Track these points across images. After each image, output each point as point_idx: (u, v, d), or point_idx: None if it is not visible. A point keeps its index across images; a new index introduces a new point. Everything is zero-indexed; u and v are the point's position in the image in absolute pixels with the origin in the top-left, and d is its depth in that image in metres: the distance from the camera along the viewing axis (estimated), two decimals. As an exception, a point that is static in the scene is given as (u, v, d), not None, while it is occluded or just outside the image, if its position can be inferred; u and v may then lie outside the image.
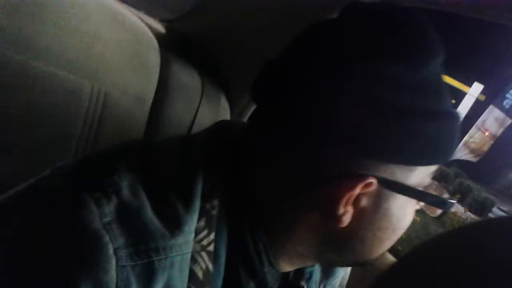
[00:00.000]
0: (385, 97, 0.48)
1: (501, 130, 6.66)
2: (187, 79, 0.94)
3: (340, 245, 0.55)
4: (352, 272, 0.78)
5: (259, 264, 0.55)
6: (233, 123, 0.62)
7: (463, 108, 8.33)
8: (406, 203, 0.54)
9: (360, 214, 0.52)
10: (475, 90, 8.43)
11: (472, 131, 7.08)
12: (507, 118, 6.56)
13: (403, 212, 0.55)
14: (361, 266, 0.61)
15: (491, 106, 6.74)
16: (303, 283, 0.64)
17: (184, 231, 0.47)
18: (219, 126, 0.59)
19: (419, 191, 0.54)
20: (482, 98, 8.44)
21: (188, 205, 0.49)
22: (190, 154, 0.55)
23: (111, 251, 0.42)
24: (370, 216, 0.52)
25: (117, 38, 0.86)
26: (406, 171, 0.51)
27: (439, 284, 0.25)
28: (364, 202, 0.51)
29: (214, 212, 0.51)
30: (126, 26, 0.89)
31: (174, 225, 0.46)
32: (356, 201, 0.51)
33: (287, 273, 0.62)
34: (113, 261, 0.42)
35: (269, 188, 0.54)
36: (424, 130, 0.50)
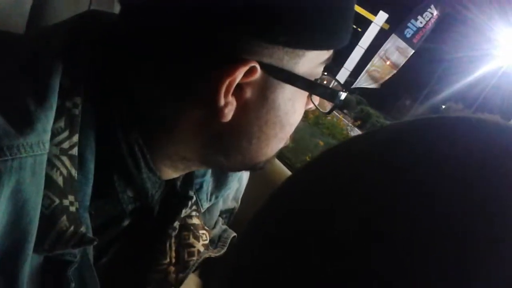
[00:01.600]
0: None
1: (402, 59, 6.98)
2: (65, 15, 0.82)
3: (226, 145, 0.50)
4: (248, 188, 0.73)
5: (135, 169, 0.48)
6: (103, 13, 0.53)
7: (368, 37, 8.59)
8: (295, 95, 0.50)
9: (244, 107, 0.47)
10: (380, 19, 8.69)
11: (374, 59, 7.34)
12: (408, 48, 6.87)
13: (291, 106, 0.50)
14: (251, 170, 0.57)
15: (393, 35, 7.01)
16: (191, 193, 0.60)
17: (36, 130, 0.40)
18: (86, 15, 0.51)
19: (309, 80, 0.49)
20: (386, 27, 8.74)
21: (41, 100, 0.41)
22: (48, 46, 0.47)
23: None
24: (256, 109, 0.48)
25: None
26: (293, 57, 0.47)
27: (340, 196, 0.23)
28: (248, 93, 0.47)
29: (77, 111, 0.44)
30: None
31: (23, 123, 0.40)
32: (239, 92, 0.46)
33: (174, 182, 0.57)
34: None
35: (144, 83, 0.48)
36: (310, 5, 0.45)
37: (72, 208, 0.43)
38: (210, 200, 0.65)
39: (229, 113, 0.47)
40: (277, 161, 0.90)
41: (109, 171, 0.47)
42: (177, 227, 0.59)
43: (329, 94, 0.52)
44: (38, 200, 0.41)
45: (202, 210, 0.63)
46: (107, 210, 0.50)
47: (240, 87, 0.46)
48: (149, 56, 0.47)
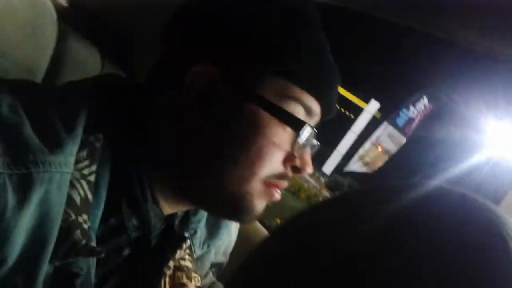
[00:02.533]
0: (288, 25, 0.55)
1: (393, 146, 7.08)
2: (86, 56, 0.89)
3: (212, 164, 0.55)
4: (236, 250, 0.78)
5: (142, 199, 0.55)
6: (120, 76, 0.66)
7: (360, 123, 8.80)
8: (281, 129, 0.55)
9: (213, 120, 0.53)
10: (372, 107, 8.94)
11: (366, 145, 7.45)
12: (400, 136, 7.00)
13: (254, 125, 0.54)
14: (236, 216, 0.60)
15: (385, 123, 7.17)
16: (187, 234, 0.65)
17: (64, 151, 0.48)
18: (107, 74, 0.62)
19: (296, 118, 0.55)
20: (378, 115, 8.97)
21: (70, 130, 0.49)
22: (76, 91, 0.56)
23: None
24: (232, 128, 0.54)
25: (11, 6, 0.79)
26: (256, 75, 0.53)
27: (307, 257, 0.27)
28: (221, 112, 0.53)
29: (98, 144, 0.52)
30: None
31: (54, 144, 0.47)
32: (207, 101, 0.53)
33: (172, 220, 0.63)
34: None
35: (151, 118, 0.56)
36: (312, 57, 0.55)
37: (85, 226, 0.49)
38: (203, 248, 0.70)
39: (207, 131, 0.54)
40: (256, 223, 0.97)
41: (118, 199, 0.54)
42: (172, 266, 0.63)
43: (291, 121, 0.55)
44: (60, 212, 0.47)
45: (195, 256, 0.68)
46: (113, 236, 0.55)
47: (206, 96, 0.53)
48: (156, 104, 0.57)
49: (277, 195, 0.59)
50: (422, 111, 6.97)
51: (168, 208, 0.60)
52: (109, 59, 0.94)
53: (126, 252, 0.57)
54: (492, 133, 5.02)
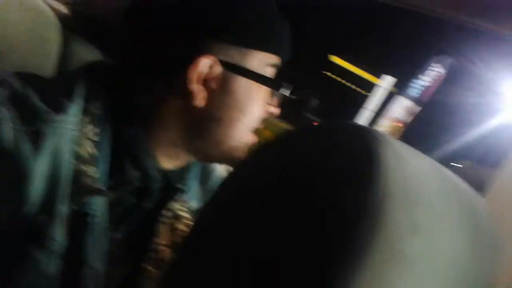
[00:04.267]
0: None
1: (408, 117, 7.02)
2: (90, 57, 0.95)
3: (201, 127, 0.68)
4: None
5: (139, 152, 0.65)
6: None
7: (374, 100, 8.72)
8: (248, 86, 0.68)
9: (212, 95, 0.66)
10: (386, 82, 8.84)
11: (383, 122, 7.42)
12: (415, 106, 6.94)
13: (249, 96, 0.68)
14: (228, 160, 0.73)
15: (396, 96, 7.10)
16: (181, 186, 0.76)
17: (68, 114, 0.58)
18: (102, 60, 0.75)
19: (256, 73, 0.67)
20: (394, 90, 8.88)
21: (72, 99, 0.59)
22: (72, 70, 0.69)
23: (7, 115, 0.52)
24: (220, 96, 0.67)
25: (16, 18, 0.85)
26: (243, 54, 0.66)
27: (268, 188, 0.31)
28: (213, 84, 0.66)
29: (98, 112, 0.62)
30: (26, 5, 0.89)
31: (60, 109, 0.58)
32: (207, 83, 0.65)
33: (171, 176, 0.73)
34: (7, 124, 0.51)
35: (140, 88, 0.66)
36: (251, 16, 0.64)
37: (93, 174, 0.60)
38: (199, 202, 0.80)
39: (201, 99, 0.66)
40: None
41: (120, 155, 0.64)
42: (169, 215, 0.73)
43: (273, 84, 0.69)
44: (70, 162, 0.57)
45: (192, 209, 0.79)
46: (119, 185, 0.65)
47: (207, 80, 0.65)
48: (141, 68, 0.66)
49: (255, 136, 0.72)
50: (435, 78, 6.89)
51: (167, 163, 0.71)
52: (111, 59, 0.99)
53: (132, 200, 0.69)
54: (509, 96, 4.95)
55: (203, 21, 0.63)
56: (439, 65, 6.91)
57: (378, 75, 9.42)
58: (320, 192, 0.29)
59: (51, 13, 0.92)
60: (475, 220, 0.40)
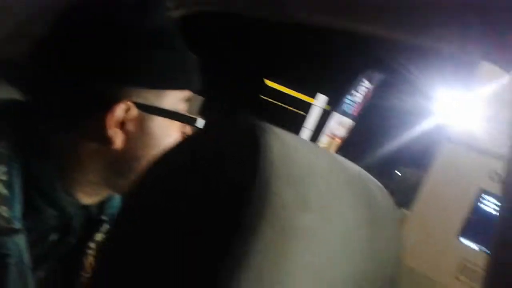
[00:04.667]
0: (128, 38, 0.65)
1: (345, 132, 7.22)
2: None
3: (121, 167, 0.69)
4: None
5: (52, 190, 0.65)
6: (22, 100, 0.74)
7: (312, 119, 8.96)
8: (165, 124, 0.70)
9: (130, 137, 0.67)
10: (320, 101, 9.12)
11: (322, 138, 7.58)
12: (349, 120, 7.15)
13: (166, 132, 0.69)
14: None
15: (333, 113, 7.30)
16: (104, 217, 0.76)
17: None
18: (9, 99, 0.72)
19: (170, 111, 0.70)
20: (328, 107, 9.16)
21: None
22: None
23: None
24: (138, 137, 0.68)
25: None
26: (156, 95, 0.69)
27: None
28: (131, 126, 0.67)
29: (3, 150, 0.62)
30: None
31: None
32: (124, 126, 0.67)
33: (91, 209, 0.73)
34: None
35: (51, 126, 0.67)
36: (159, 59, 0.67)
37: (5, 214, 0.58)
38: None
39: (118, 142, 0.67)
40: None
41: (31, 192, 0.63)
42: (94, 246, 0.73)
43: (188, 120, 0.72)
44: None
45: None
46: (37, 226, 0.64)
47: (124, 123, 0.66)
48: (54, 110, 0.67)
49: None
50: (366, 93, 7.15)
51: (87, 199, 0.71)
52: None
53: (53, 237, 0.67)
54: (441, 100, 5.16)
55: (115, 68, 0.65)
56: (368, 80, 7.19)
57: (312, 95, 9.70)
58: (215, 177, 0.32)
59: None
60: (368, 199, 0.44)
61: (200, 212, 0.31)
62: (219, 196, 0.31)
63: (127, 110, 0.66)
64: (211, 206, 0.31)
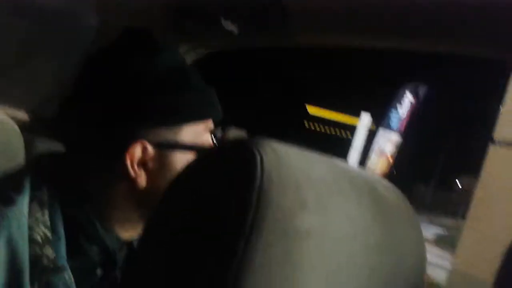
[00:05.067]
0: (140, 84, 0.70)
1: (394, 148, 7.09)
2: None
3: (147, 203, 0.71)
4: None
5: (93, 229, 0.69)
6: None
7: (358, 140, 8.86)
8: (185, 157, 0.72)
9: (153, 175, 0.71)
10: (364, 121, 9.02)
11: (372, 157, 7.47)
12: (397, 136, 7.03)
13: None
14: None
15: (380, 129, 7.20)
16: None
17: (17, 205, 0.63)
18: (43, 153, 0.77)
19: (186, 145, 0.73)
20: (373, 127, 9.05)
21: (19, 192, 0.65)
22: (21, 167, 0.76)
23: None
24: (161, 174, 0.71)
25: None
26: (173, 131, 0.72)
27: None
28: (151, 164, 0.70)
29: (45, 197, 0.67)
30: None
31: (8, 203, 0.62)
32: (145, 165, 0.70)
33: (133, 244, 0.77)
34: None
35: (83, 172, 0.72)
36: (169, 98, 0.71)
37: (51, 256, 0.63)
38: None
39: (142, 181, 0.71)
40: None
41: (75, 233, 0.68)
42: None
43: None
44: (25, 247, 0.61)
45: None
46: (82, 263, 0.69)
47: (145, 162, 0.70)
48: (84, 157, 0.72)
49: None
50: (410, 107, 7.03)
51: (126, 235, 0.75)
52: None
53: (99, 272, 0.72)
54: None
55: (128, 111, 0.69)
56: (411, 93, 7.08)
57: (356, 115, 9.60)
58: (218, 195, 0.36)
59: (9, 120, 0.99)
60: (377, 200, 0.45)
61: (211, 224, 0.35)
62: (224, 207, 0.34)
63: (143, 150, 0.70)
64: (219, 218, 0.34)
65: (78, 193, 0.70)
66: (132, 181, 0.70)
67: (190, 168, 0.41)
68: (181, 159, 0.72)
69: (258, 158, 0.34)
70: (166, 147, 0.71)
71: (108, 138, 0.70)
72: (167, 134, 0.72)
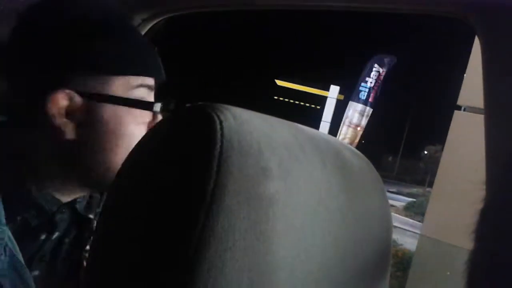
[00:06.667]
0: (68, 31, 0.67)
1: (364, 119, 7.20)
2: None
3: (79, 159, 0.69)
4: None
5: (27, 192, 0.67)
6: None
7: (329, 111, 8.95)
8: (118, 111, 0.69)
9: (82, 126, 0.67)
10: (333, 93, 9.10)
11: (343, 129, 7.55)
12: (366, 107, 7.12)
13: (119, 121, 0.68)
14: (100, 187, 0.74)
15: (350, 102, 7.28)
16: (91, 216, 0.77)
17: None
18: None
19: (119, 97, 0.69)
20: (341, 97, 9.14)
21: None
22: None
23: None
24: (90, 125, 0.68)
25: None
26: (102, 82, 0.68)
27: None
28: (78, 115, 0.67)
29: None
30: None
31: None
32: (71, 115, 0.67)
33: (75, 205, 0.74)
34: None
35: (17, 131, 0.69)
36: (99, 46, 0.67)
37: None
38: None
39: (69, 131, 0.67)
40: None
41: (11, 197, 0.62)
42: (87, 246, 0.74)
43: (144, 104, 0.71)
44: None
45: None
46: (22, 227, 0.65)
47: (70, 113, 0.66)
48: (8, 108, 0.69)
49: None
50: (378, 77, 7.13)
51: (63, 196, 0.71)
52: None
53: (43, 236, 0.70)
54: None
55: (53, 56, 0.66)
56: (379, 65, 7.15)
57: (325, 88, 9.68)
58: (176, 163, 0.34)
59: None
60: (343, 166, 0.45)
61: (169, 194, 0.33)
62: (183, 176, 0.32)
63: (70, 99, 0.66)
64: (178, 187, 0.32)
65: (12, 154, 0.67)
66: (58, 133, 0.66)
67: (147, 135, 0.39)
68: (112, 113, 0.69)
69: (218, 123, 0.33)
70: (94, 98, 0.67)
71: (32, 87, 0.67)
72: (96, 85, 0.68)
